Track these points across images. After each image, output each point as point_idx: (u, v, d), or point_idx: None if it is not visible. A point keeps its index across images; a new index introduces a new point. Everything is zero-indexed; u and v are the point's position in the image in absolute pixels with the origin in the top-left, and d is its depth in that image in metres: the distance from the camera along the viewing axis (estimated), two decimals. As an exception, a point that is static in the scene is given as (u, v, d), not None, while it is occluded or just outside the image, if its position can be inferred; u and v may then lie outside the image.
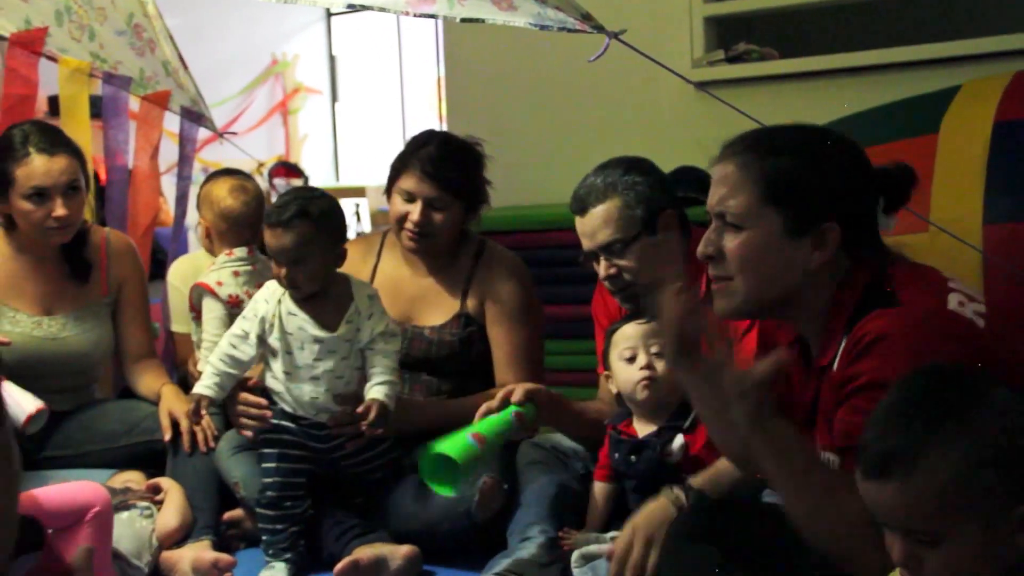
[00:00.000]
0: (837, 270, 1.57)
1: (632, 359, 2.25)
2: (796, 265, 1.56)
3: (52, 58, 3.30)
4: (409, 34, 8.50)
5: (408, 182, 2.59)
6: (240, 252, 2.83)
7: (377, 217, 7.29)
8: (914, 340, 1.43)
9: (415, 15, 2.41)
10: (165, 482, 2.57)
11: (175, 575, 2.38)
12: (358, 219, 7.68)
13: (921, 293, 1.51)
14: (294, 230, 2.32)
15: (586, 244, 2.32)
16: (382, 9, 2.43)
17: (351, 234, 7.54)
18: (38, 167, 2.60)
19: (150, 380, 2.81)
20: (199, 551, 2.40)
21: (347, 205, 7.86)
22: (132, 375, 2.87)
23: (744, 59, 3.75)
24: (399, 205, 2.61)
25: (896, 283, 1.53)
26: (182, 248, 3.70)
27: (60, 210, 2.62)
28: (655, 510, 2.02)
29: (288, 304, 2.39)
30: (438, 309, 2.67)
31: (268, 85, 8.34)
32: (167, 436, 2.61)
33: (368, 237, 2.92)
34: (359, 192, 7.70)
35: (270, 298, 2.42)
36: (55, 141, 2.65)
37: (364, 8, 2.41)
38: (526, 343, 2.64)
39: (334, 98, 8.91)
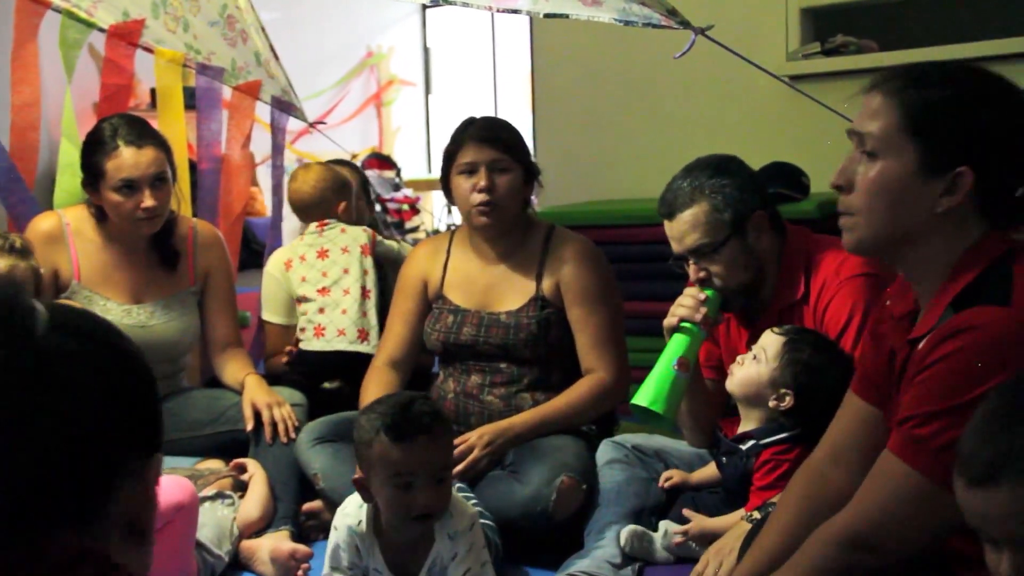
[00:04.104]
0: (966, 231, 1.49)
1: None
2: (922, 205, 1.48)
3: (148, 49, 3.37)
4: (503, 27, 8.50)
5: (466, 155, 2.59)
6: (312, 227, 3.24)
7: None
8: (1004, 347, 1.36)
9: (499, 10, 2.40)
10: (251, 464, 2.60)
11: (254, 564, 2.41)
12: (449, 211, 7.71)
13: None
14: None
15: (675, 248, 2.28)
16: (465, 4, 2.42)
17: (441, 227, 7.63)
18: (127, 159, 2.65)
19: (235, 369, 2.85)
20: (278, 541, 2.41)
21: (438, 197, 7.90)
22: (218, 363, 2.92)
23: (841, 52, 3.65)
24: (462, 183, 2.59)
25: (1018, 269, 1.44)
26: (278, 237, 3.73)
27: (148, 201, 2.67)
28: (738, 536, 1.98)
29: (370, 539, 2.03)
30: (513, 294, 2.64)
31: (363, 77, 8.43)
32: (249, 426, 2.65)
33: (436, 237, 2.91)
34: (450, 184, 7.71)
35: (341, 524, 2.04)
36: (142, 133, 2.70)
37: (449, 3, 2.41)
38: (609, 323, 2.60)
39: (428, 90, 8.97)
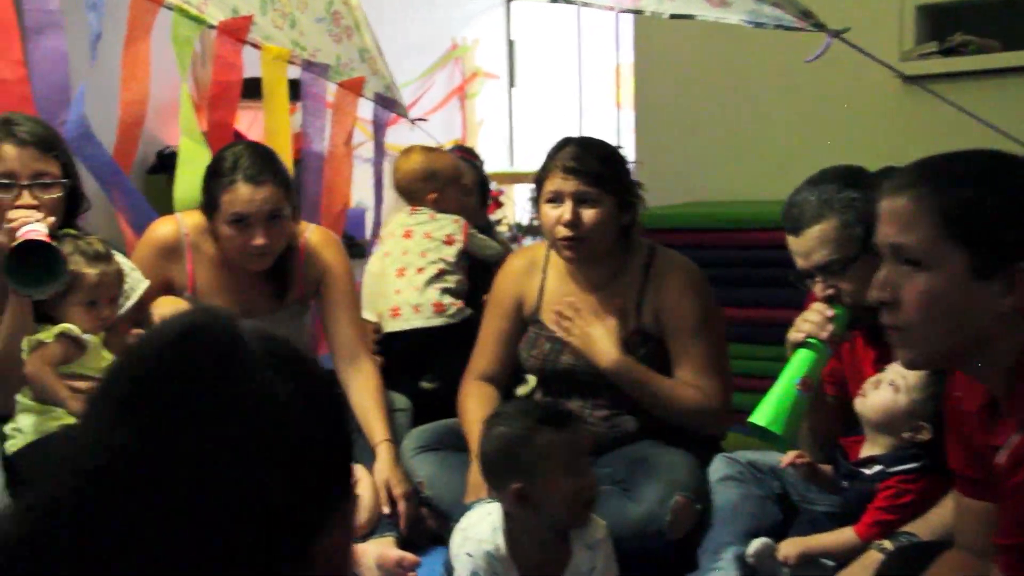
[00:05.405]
0: None
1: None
2: (984, 310, 1.38)
3: (256, 45, 3.37)
4: (588, 20, 8.41)
5: (552, 184, 2.46)
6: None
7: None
8: None
9: (620, 11, 2.34)
10: (358, 469, 2.54)
11: (359, 569, 2.38)
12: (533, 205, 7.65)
13: None
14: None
15: (800, 263, 2.17)
16: (585, 4, 2.36)
17: (524, 220, 7.59)
18: (241, 195, 2.52)
19: (368, 421, 2.64)
20: (384, 548, 2.38)
21: (522, 190, 7.85)
22: (345, 378, 2.72)
23: (960, 51, 3.51)
24: (549, 212, 2.47)
25: None
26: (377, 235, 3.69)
27: (259, 239, 2.55)
28: (866, 566, 1.89)
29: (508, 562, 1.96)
30: None
31: (447, 69, 8.39)
32: (386, 510, 2.50)
33: (531, 252, 2.72)
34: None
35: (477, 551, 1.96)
36: (262, 168, 2.55)
37: (569, 2, 2.35)
38: (711, 352, 2.50)
39: (511, 83, 8.92)
